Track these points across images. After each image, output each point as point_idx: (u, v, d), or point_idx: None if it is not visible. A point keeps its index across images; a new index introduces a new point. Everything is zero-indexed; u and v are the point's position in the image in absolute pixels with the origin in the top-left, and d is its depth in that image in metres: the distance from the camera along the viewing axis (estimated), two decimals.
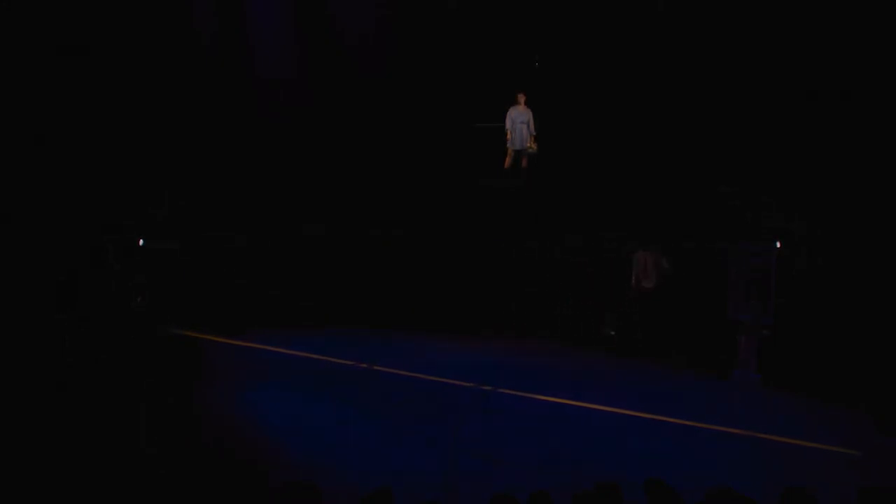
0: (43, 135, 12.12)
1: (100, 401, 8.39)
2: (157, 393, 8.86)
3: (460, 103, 13.06)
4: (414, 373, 9.55)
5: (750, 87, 10.68)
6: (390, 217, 12.81)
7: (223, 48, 13.53)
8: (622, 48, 11.84)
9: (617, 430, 7.92)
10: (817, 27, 10.20)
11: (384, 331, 11.58)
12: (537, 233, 12.08)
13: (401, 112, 13.07)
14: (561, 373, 9.88)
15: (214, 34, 13.60)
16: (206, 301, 12.37)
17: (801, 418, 8.34)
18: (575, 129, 12.40)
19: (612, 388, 9.19)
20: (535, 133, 12.88)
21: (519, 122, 12.91)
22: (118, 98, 12.74)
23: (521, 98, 12.84)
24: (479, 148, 13.13)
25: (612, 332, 11.05)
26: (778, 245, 9.60)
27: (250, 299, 12.46)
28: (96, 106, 12.59)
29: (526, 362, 10.32)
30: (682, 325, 10.55)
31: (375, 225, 12.85)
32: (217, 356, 10.41)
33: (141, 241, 12.48)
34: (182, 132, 13.32)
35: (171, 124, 13.21)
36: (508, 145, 12.95)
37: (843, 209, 9.96)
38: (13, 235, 11.59)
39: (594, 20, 12.03)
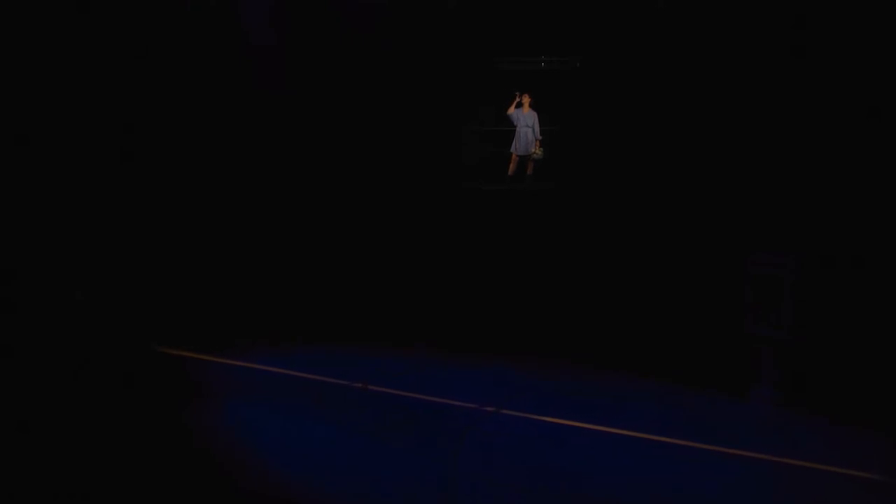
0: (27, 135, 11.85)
1: (86, 409, 8.34)
2: (143, 406, 8.71)
3: (461, 104, 12.77)
4: (411, 392, 9.34)
5: (760, 87, 10.54)
6: (388, 219, 12.63)
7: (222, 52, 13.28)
8: (623, 47, 11.65)
9: (625, 454, 7.70)
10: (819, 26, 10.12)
11: (382, 343, 11.36)
12: (538, 236, 11.93)
13: (400, 113, 12.71)
14: (567, 391, 9.63)
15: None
16: (193, 305, 12.08)
17: (824, 440, 8.14)
18: (577, 130, 12.24)
19: (619, 408, 8.98)
20: (540, 137, 12.58)
21: (523, 125, 12.62)
22: (116, 96, 12.41)
23: (526, 100, 12.57)
24: (481, 151, 12.93)
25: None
26: (796, 253, 9.35)
27: (240, 303, 12.20)
28: (94, 106, 12.27)
29: (529, 379, 10.06)
30: (695, 338, 10.31)
31: (371, 229, 12.62)
32: (204, 373, 10.17)
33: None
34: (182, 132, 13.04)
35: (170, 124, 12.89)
36: (512, 150, 12.69)
37: (864, 215, 9.74)
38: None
39: (595, 19, 11.82)
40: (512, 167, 12.75)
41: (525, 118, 12.61)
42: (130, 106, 12.26)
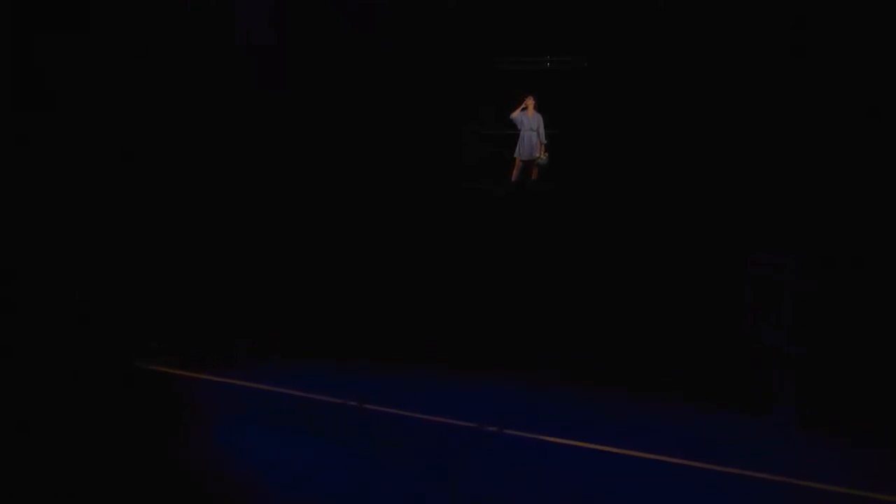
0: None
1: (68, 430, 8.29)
2: (130, 426, 8.60)
3: (461, 105, 12.78)
4: (409, 411, 9.16)
5: (760, 87, 10.62)
6: (386, 221, 12.60)
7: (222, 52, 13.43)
8: (621, 48, 11.73)
9: (634, 476, 7.59)
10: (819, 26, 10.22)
11: (379, 356, 11.20)
12: (538, 239, 11.88)
13: (400, 113, 12.75)
14: (572, 408, 9.50)
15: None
16: (185, 314, 12.10)
17: (843, 460, 8.01)
18: (578, 131, 12.24)
19: (627, 427, 8.83)
20: (545, 141, 12.50)
21: (528, 128, 12.52)
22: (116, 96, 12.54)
23: (531, 102, 12.48)
24: (481, 151, 12.90)
25: None
26: (796, 253, 9.43)
27: (233, 310, 12.19)
28: (94, 106, 12.43)
29: (533, 396, 9.95)
30: (704, 348, 10.25)
31: (369, 232, 12.58)
32: (194, 391, 10.11)
33: None
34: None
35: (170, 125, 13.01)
36: (516, 155, 12.62)
37: (864, 216, 9.74)
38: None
39: (593, 20, 11.92)
40: (515, 172, 12.66)
41: (530, 121, 12.51)
42: (130, 106, 12.34)
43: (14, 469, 7.30)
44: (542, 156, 12.56)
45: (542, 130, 12.53)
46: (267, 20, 12.70)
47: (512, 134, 12.73)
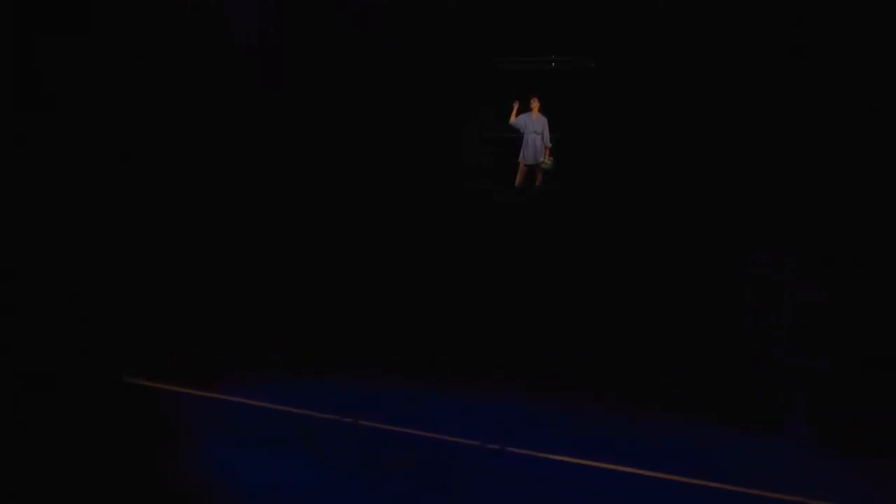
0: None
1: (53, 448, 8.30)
2: (114, 445, 8.55)
3: (462, 105, 12.86)
4: (406, 428, 8.98)
5: (759, 87, 10.71)
6: (384, 224, 12.61)
7: (222, 52, 13.54)
8: (620, 48, 11.83)
9: (639, 494, 7.56)
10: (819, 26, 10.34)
11: (375, 369, 11.05)
12: (539, 241, 11.86)
13: (400, 114, 12.84)
14: (575, 423, 9.34)
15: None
16: (173, 322, 12.00)
17: (863, 480, 7.86)
18: (578, 132, 12.32)
19: (634, 444, 8.71)
20: (550, 145, 12.53)
21: (532, 131, 12.54)
22: (116, 96, 12.66)
23: (535, 104, 12.51)
24: (481, 151, 13.05)
25: None
26: (796, 253, 9.52)
27: (222, 319, 12.11)
28: (94, 106, 12.54)
29: (537, 411, 9.74)
30: (704, 354, 10.29)
31: (365, 234, 12.58)
32: (183, 405, 9.92)
33: None
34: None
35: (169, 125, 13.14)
36: (519, 159, 12.63)
37: (864, 215, 9.82)
38: None
39: (593, 21, 12.03)
40: (519, 178, 12.67)
41: (533, 124, 12.51)
42: (130, 106, 12.39)
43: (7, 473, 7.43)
44: (546, 160, 12.57)
45: (546, 133, 12.54)
46: (267, 20, 12.80)
47: (513, 136, 12.77)
